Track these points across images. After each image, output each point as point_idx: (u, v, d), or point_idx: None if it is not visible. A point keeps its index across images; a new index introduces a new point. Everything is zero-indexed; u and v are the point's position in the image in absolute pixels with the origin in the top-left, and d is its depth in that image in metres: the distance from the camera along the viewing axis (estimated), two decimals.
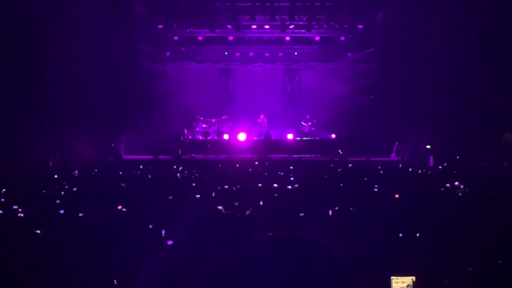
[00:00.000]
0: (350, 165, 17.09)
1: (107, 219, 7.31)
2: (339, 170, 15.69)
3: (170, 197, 9.40)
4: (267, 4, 21.64)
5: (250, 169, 15.51)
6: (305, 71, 26.81)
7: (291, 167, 15.63)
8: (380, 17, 22.98)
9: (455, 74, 19.12)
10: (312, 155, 22.33)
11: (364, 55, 24.38)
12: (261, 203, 8.63)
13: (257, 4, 21.57)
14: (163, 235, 6.55)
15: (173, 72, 26.15)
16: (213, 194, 10.08)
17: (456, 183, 11.00)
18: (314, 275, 2.20)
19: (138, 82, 23.49)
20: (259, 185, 11.25)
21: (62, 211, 8.07)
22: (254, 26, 23.81)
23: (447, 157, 18.65)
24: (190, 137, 24.08)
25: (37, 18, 16.69)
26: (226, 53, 25.98)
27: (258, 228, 6.50)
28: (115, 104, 20.61)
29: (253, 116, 25.13)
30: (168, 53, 25.11)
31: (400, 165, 18.17)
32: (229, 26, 23.46)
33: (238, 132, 23.89)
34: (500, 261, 5.20)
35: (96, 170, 15.60)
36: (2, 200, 9.43)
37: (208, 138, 24.40)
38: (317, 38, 24.47)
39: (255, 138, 24.21)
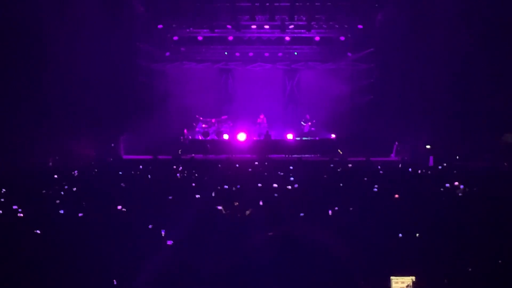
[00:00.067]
0: (350, 165, 17.09)
1: (106, 219, 7.32)
2: (339, 170, 15.69)
3: (170, 197, 9.41)
4: (267, 4, 21.63)
5: (250, 169, 15.51)
6: (305, 71, 26.80)
7: (291, 167, 15.63)
8: (380, 17, 22.99)
9: (454, 74, 19.12)
10: (312, 155, 22.32)
11: (364, 55, 24.37)
12: (261, 203, 8.63)
13: (257, 4, 21.56)
14: (163, 235, 6.54)
15: (173, 72, 26.12)
16: (213, 194, 10.08)
17: (456, 183, 11.01)
18: (314, 275, 2.21)
19: (138, 82, 23.47)
20: (259, 185, 11.26)
21: (62, 211, 8.07)
22: (254, 26, 23.80)
23: (447, 157, 18.66)
24: (190, 137, 24.07)
25: (37, 18, 16.69)
26: (226, 53, 25.95)
27: (258, 228, 6.50)
28: (114, 104, 20.61)
29: (252, 116, 25.11)
30: (167, 53, 25.10)
31: (400, 165, 18.17)
32: (229, 26, 23.45)
33: (238, 132, 23.88)
34: (500, 261, 5.20)
35: (96, 170, 15.60)
36: (2, 200, 9.43)
37: (208, 138, 24.39)
38: (317, 38, 24.46)
39: (255, 138, 24.20)
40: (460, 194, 10.26)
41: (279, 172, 14.40)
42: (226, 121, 25.25)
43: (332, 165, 17.08)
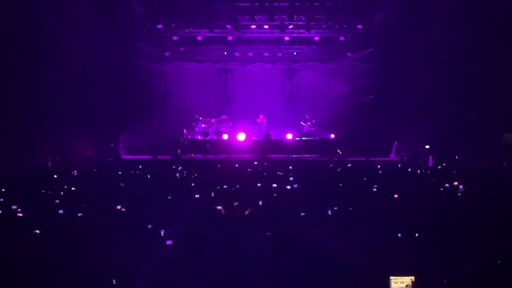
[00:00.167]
0: (349, 165, 17.11)
1: (106, 219, 7.31)
2: (338, 170, 15.71)
3: (169, 197, 9.41)
4: (266, 4, 21.63)
5: (249, 169, 15.52)
6: (304, 71, 26.81)
7: (290, 167, 15.64)
8: (379, 17, 23.00)
9: (454, 74, 19.14)
10: (311, 155, 22.33)
11: (363, 55, 24.38)
12: (260, 203, 8.63)
13: (256, 4, 21.56)
14: (162, 235, 6.55)
15: (172, 72, 26.12)
16: (212, 194, 10.08)
17: (455, 183, 11.01)
18: (313, 275, 2.20)
19: (137, 82, 23.48)
20: (258, 185, 11.26)
21: (61, 211, 8.07)
22: (253, 26, 23.80)
23: (446, 157, 18.68)
24: (189, 137, 24.07)
25: (37, 18, 16.69)
26: (225, 53, 25.96)
27: (257, 228, 6.51)
28: (114, 104, 20.61)
29: (252, 116, 25.11)
30: (167, 53, 25.10)
31: (399, 165, 18.20)
32: (228, 26, 23.44)
33: (237, 132, 23.88)
34: (499, 261, 5.20)
35: (95, 170, 15.60)
36: (1, 200, 9.42)
37: (207, 138, 24.40)
38: (316, 38, 24.46)
39: (254, 138, 24.21)
40: (459, 194, 10.27)
41: (278, 172, 14.41)
42: (225, 121, 25.26)
43: (331, 165, 17.10)
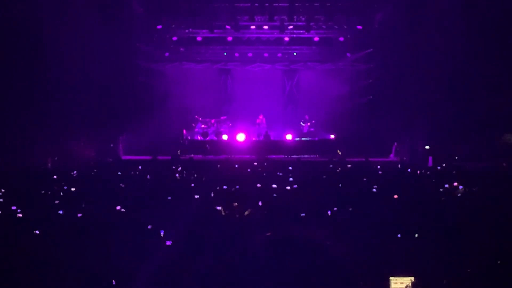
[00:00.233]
0: (349, 165, 17.10)
1: (106, 220, 7.31)
2: (338, 170, 15.70)
3: (169, 198, 9.40)
4: (266, 4, 21.63)
5: (249, 170, 15.51)
6: (304, 72, 26.81)
7: (290, 168, 15.64)
8: (379, 18, 23.00)
9: (454, 74, 19.13)
10: (311, 156, 22.33)
11: (363, 55, 24.38)
12: (260, 203, 8.63)
13: (256, 4, 21.56)
14: (162, 235, 6.54)
15: (172, 73, 26.10)
16: (212, 195, 10.08)
17: (455, 183, 11.01)
18: (313, 275, 2.20)
19: (137, 82, 23.47)
20: (258, 185, 11.25)
21: (61, 212, 8.07)
22: (253, 27, 23.80)
23: (446, 157, 18.67)
24: (189, 137, 24.07)
25: (37, 18, 16.69)
26: (225, 53, 25.96)
27: (257, 228, 6.50)
28: (114, 104, 20.62)
29: (252, 117, 25.12)
30: (167, 54, 25.11)
31: (399, 166, 18.19)
32: (228, 27, 23.45)
33: (237, 133, 23.89)
34: (499, 262, 5.20)
35: (95, 170, 15.60)
36: (1, 200, 9.42)
37: (207, 138, 24.39)
38: (316, 38, 24.46)
39: (254, 139, 24.22)
40: (459, 195, 10.27)
41: (278, 173, 14.40)
42: (225, 122, 25.26)
43: (331, 166, 17.09)
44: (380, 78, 23.24)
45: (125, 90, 21.76)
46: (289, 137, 23.85)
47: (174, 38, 24.65)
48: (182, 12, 22.39)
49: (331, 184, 11.93)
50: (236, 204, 8.24)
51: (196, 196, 9.61)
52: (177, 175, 14.51)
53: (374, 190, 10.56)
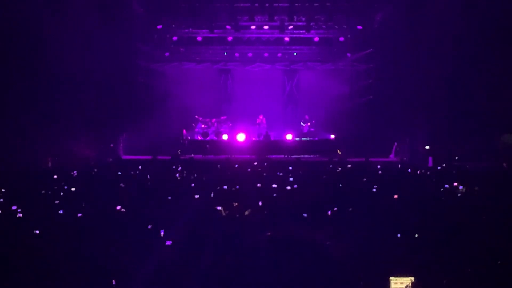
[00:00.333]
0: (349, 165, 17.09)
1: (106, 220, 7.32)
2: (338, 170, 15.70)
3: (169, 198, 9.41)
4: (266, 4, 21.61)
5: (249, 170, 15.51)
6: (304, 72, 26.81)
7: (290, 168, 15.64)
8: (379, 18, 22.99)
9: (454, 75, 19.12)
10: (311, 156, 22.34)
11: (363, 55, 24.38)
12: (260, 203, 8.63)
13: (256, 4, 21.54)
14: (161, 235, 6.55)
15: (172, 73, 26.09)
16: (212, 195, 10.08)
17: (455, 183, 11.01)
18: (313, 275, 2.20)
19: (137, 82, 23.48)
20: (258, 185, 11.26)
21: (61, 211, 8.07)
22: (253, 27, 23.79)
23: (446, 157, 18.66)
24: (189, 137, 24.07)
25: (37, 18, 16.69)
26: (225, 53, 25.96)
27: (257, 228, 6.50)
28: (114, 104, 20.61)
29: (252, 117, 25.11)
30: (167, 54, 25.10)
31: (399, 166, 18.18)
32: (228, 27, 23.44)
33: (237, 133, 23.89)
34: (499, 262, 5.20)
35: (95, 170, 15.60)
36: (1, 200, 9.42)
37: (207, 138, 24.39)
38: (316, 38, 24.45)
39: (254, 139, 24.21)
40: (459, 195, 10.27)
41: (278, 173, 14.40)
42: (225, 122, 25.26)
43: (331, 166, 17.08)
44: (380, 78, 23.23)
45: (125, 90, 21.75)
46: (289, 137, 23.85)
47: (174, 38, 24.65)
48: (182, 12, 22.37)
49: (331, 184, 11.92)
50: (236, 204, 8.24)
51: (196, 196, 9.61)
52: (177, 175, 14.51)
53: (374, 190, 10.56)
